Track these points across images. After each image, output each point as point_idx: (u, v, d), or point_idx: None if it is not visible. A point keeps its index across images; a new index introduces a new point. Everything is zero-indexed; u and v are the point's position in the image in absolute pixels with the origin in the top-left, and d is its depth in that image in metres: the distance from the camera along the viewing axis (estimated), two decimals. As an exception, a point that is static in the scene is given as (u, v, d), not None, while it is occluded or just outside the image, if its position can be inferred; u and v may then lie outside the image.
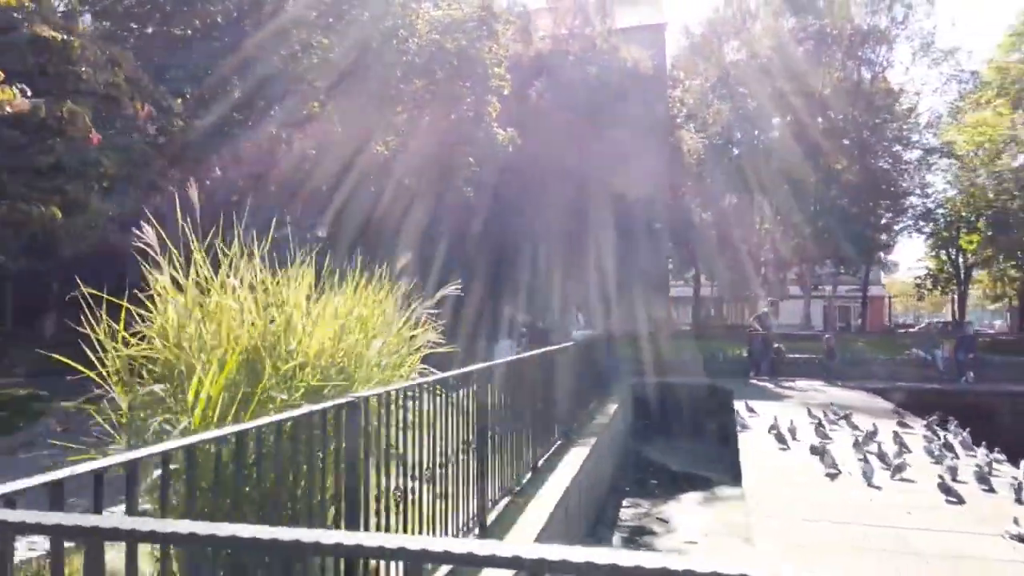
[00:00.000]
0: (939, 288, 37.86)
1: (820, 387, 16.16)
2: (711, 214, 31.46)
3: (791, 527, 5.49)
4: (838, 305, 42.59)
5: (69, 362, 3.46)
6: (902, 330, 37.89)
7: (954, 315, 38.13)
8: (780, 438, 8.55)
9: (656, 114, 31.48)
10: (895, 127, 31.93)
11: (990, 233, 31.08)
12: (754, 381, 17.12)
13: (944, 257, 36.14)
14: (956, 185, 31.87)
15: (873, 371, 17.89)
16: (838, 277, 37.61)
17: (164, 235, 3.92)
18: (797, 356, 19.53)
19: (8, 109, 5.66)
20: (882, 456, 7.42)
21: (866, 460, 7.07)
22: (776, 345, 19.11)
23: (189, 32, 13.52)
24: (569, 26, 28.24)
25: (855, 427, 9.32)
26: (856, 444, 7.79)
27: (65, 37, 8.18)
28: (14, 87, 5.79)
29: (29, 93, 5.92)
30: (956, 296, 36.86)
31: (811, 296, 37.89)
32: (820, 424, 9.15)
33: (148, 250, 3.91)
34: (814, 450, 7.73)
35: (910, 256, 38.55)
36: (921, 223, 33.23)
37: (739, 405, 11.87)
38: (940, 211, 32.97)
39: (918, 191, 33.38)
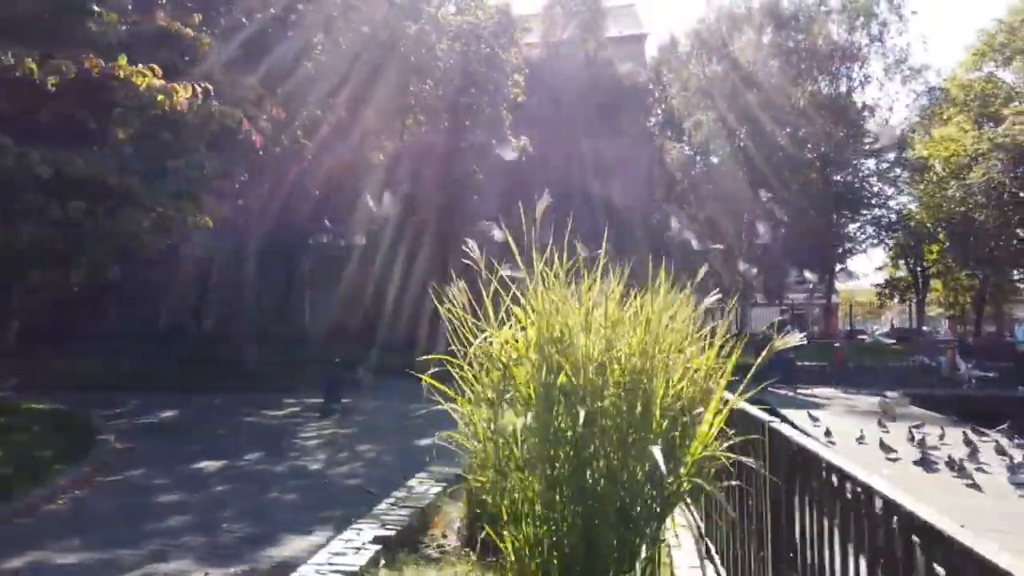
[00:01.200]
0: (899, 296, 39.58)
1: (842, 394, 16.52)
2: (693, 221, 31.88)
3: None
4: (799, 313, 43.96)
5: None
6: (862, 337, 39.31)
7: (910, 322, 39.98)
8: (924, 459, 8.23)
9: (641, 124, 31.90)
10: (862, 141, 33.13)
11: (947, 244, 32.71)
12: (772, 390, 17.37)
13: (904, 266, 37.75)
14: (919, 198, 33.27)
15: (881, 378, 18.44)
16: (800, 285, 38.76)
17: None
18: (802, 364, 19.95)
19: (178, 107, 5.23)
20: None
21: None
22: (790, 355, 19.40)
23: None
24: (559, 36, 28.37)
25: (969, 440, 9.25)
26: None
27: (194, 32, 7.69)
28: (185, 84, 5.39)
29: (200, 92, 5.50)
30: (915, 304, 38.46)
31: (775, 303, 38.98)
32: (913, 437, 9.21)
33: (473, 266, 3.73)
34: (952, 464, 7.76)
35: (870, 265, 39.99)
36: (884, 234, 34.54)
37: (795, 417, 11.72)
38: (903, 223, 34.27)
39: (883, 203, 34.70)
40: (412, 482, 6.45)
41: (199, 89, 5.98)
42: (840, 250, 35.85)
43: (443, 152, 19.12)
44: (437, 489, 6.27)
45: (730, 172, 32.46)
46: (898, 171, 33.03)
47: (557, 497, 3.52)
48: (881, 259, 39.47)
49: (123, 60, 5.05)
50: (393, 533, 5.03)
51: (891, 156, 33.25)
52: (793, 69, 30.41)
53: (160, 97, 5.19)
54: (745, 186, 32.23)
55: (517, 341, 3.99)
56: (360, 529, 5.05)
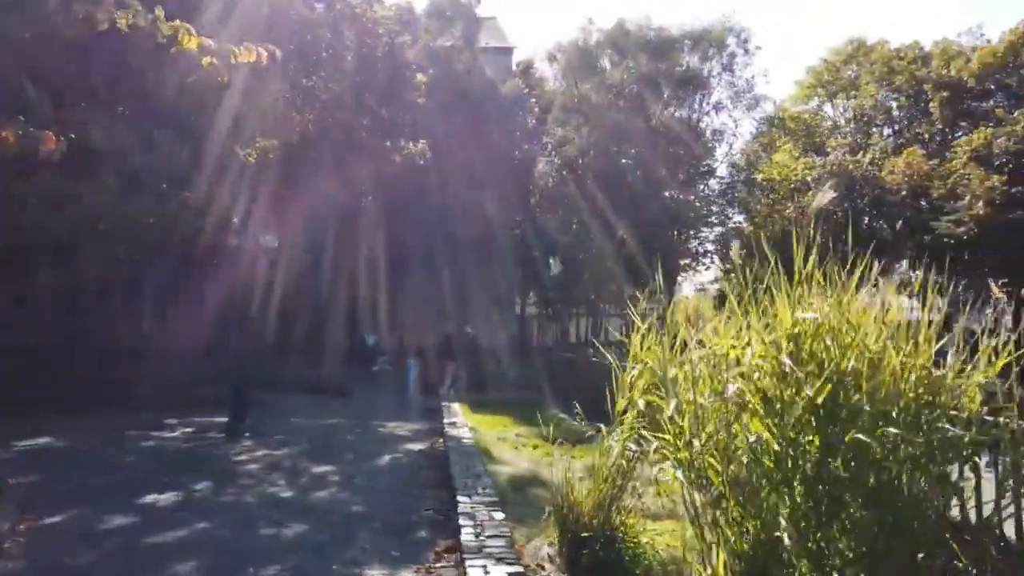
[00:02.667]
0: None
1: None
2: (556, 235, 32.50)
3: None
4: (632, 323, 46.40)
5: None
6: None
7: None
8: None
9: (511, 137, 32.05)
10: (708, 164, 35.59)
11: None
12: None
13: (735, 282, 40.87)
14: (752, 218, 36.22)
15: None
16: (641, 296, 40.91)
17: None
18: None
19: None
20: None
21: None
22: None
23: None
24: (436, 44, 27.78)
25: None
26: None
27: None
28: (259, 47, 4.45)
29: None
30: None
31: (610, 315, 40.90)
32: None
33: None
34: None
35: (708, 278, 43.03)
36: (724, 250, 37.22)
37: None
38: (739, 240, 37.17)
39: (723, 222, 37.39)
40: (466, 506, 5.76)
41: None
42: (682, 263, 38.20)
43: (334, 153, 17.97)
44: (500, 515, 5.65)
45: (592, 189, 33.53)
46: (738, 192, 35.73)
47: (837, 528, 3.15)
48: (715, 273, 42.61)
49: (160, 11, 4.04)
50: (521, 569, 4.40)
51: (733, 178, 35.94)
52: (651, 94, 32.01)
53: (207, 60, 4.20)
54: (605, 202, 33.42)
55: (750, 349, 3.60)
56: (484, 565, 4.36)
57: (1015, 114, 22.75)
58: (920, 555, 2.87)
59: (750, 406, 3.30)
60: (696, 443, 3.67)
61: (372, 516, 6.74)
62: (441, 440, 11.02)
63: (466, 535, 4.99)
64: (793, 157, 33.25)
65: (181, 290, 21.66)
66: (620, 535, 4.93)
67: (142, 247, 13.10)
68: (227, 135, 14.86)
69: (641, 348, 5.34)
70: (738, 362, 3.48)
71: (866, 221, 31.70)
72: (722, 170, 36.35)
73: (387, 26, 17.17)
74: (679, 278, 39.26)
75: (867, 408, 2.85)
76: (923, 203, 24.97)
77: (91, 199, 9.99)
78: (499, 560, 4.54)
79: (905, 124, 28.93)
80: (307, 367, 20.91)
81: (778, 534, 3.27)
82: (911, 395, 2.95)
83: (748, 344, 3.43)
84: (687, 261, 38.30)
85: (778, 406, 3.13)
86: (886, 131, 30.56)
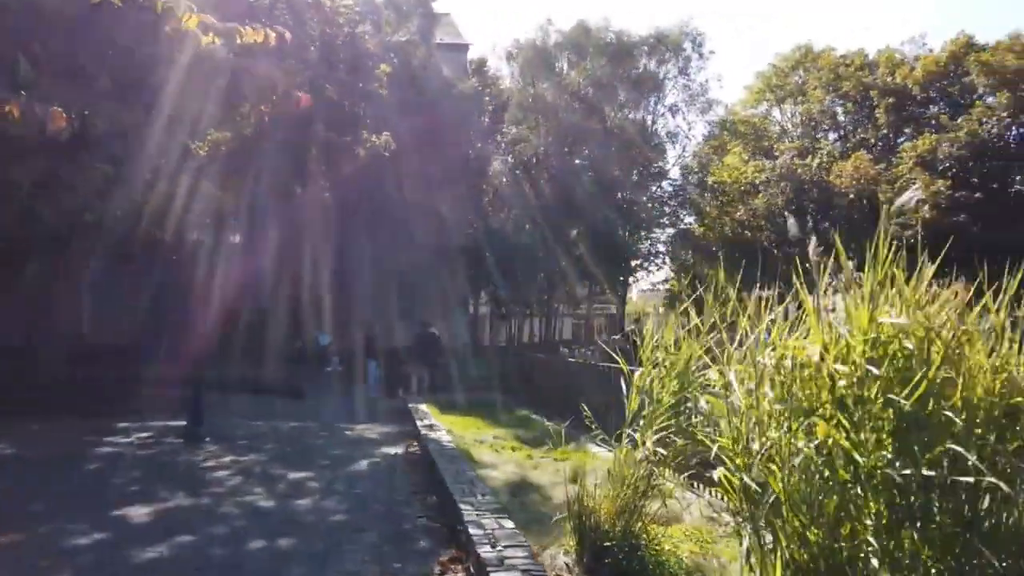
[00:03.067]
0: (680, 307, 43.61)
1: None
2: (510, 235, 32.32)
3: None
4: (582, 323, 46.81)
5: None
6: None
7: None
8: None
9: (466, 135, 31.74)
10: (660, 166, 35.96)
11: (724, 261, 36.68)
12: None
13: (684, 280, 41.58)
14: (703, 220, 36.81)
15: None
16: (598, 297, 41.16)
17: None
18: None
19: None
20: None
21: None
22: None
23: None
24: (391, 38, 27.24)
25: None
26: None
27: None
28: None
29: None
30: (696, 314, 42.33)
31: (563, 315, 41.10)
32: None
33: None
34: None
35: (659, 278, 43.60)
36: (676, 248, 37.73)
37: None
38: (688, 241, 37.63)
39: (674, 223, 37.86)
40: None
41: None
42: (633, 264, 38.57)
43: (294, 145, 17.40)
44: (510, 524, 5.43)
45: (546, 189, 33.55)
46: (690, 194, 36.21)
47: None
48: (663, 274, 43.16)
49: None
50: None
51: (685, 180, 36.43)
52: (608, 95, 32.18)
53: (207, 39, 3.86)
54: (558, 203, 33.49)
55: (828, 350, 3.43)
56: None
57: (958, 120, 23.59)
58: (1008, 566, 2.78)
59: (823, 411, 3.15)
60: (755, 447, 3.52)
61: (363, 525, 6.43)
62: (416, 443, 10.72)
63: (483, 548, 4.75)
64: (743, 160, 33.91)
65: (122, 288, 20.74)
66: (643, 543, 4.76)
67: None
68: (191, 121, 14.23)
69: (659, 347, 5.18)
70: (808, 364, 3.32)
71: (811, 223, 32.60)
72: (675, 172, 36.78)
73: (347, 15, 16.69)
74: (631, 278, 39.68)
75: (959, 417, 2.73)
76: (867, 208, 25.63)
77: (86, 188, 9.30)
78: (525, 573, 4.32)
79: (851, 129, 29.75)
80: (256, 368, 20.26)
81: (843, 544, 3.15)
82: (1001, 402, 2.84)
83: (828, 345, 3.26)
84: (639, 262, 38.66)
85: (858, 412, 2.99)
86: (832, 136, 31.41)
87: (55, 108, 3.24)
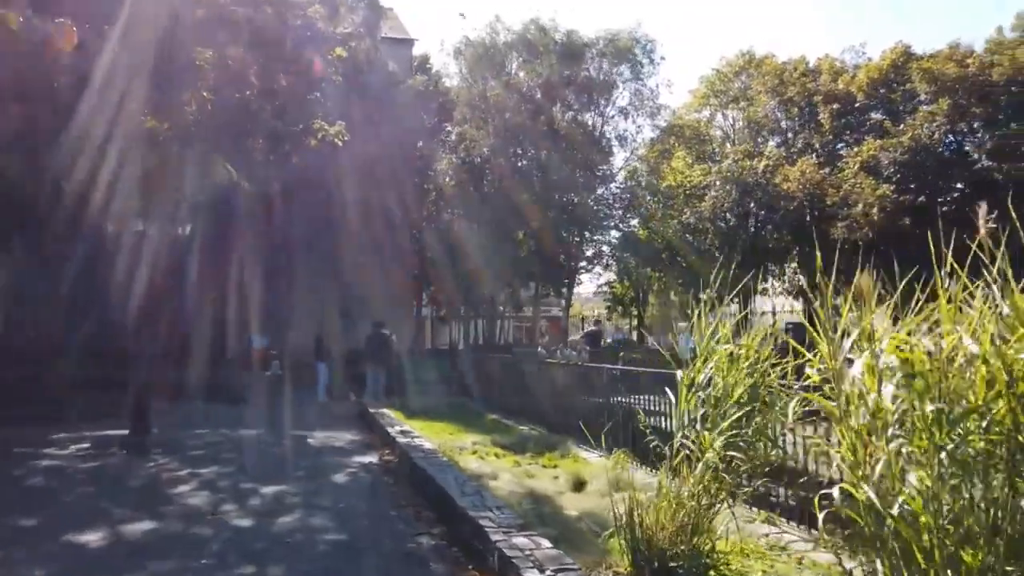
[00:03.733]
0: (623, 310, 43.80)
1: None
2: (455, 235, 31.60)
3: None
4: (527, 326, 46.41)
5: None
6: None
7: (632, 334, 44.47)
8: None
9: (412, 133, 30.89)
10: (600, 168, 35.79)
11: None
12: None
13: (627, 284, 41.69)
14: (644, 224, 36.85)
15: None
16: (542, 299, 40.81)
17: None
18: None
19: None
20: None
21: None
22: None
23: None
24: (335, 32, 26.14)
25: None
26: None
27: None
28: None
29: None
30: (637, 318, 42.53)
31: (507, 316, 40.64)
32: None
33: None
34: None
35: (602, 280, 43.64)
36: (621, 252, 37.70)
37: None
38: (632, 244, 37.52)
39: (616, 225, 37.77)
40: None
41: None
42: (576, 266, 38.38)
43: (239, 133, 16.33)
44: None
45: (493, 189, 33.04)
46: (636, 197, 36.17)
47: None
48: (608, 277, 43.16)
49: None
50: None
51: (632, 183, 36.43)
52: (557, 96, 31.84)
53: None
54: (505, 203, 33.03)
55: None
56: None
57: (901, 126, 24.20)
58: None
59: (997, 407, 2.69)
60: (881, 457, 3.03)
61: (361, 545, 5.74)
62: (389, 451, 9.99)
63: (530, 574, 4.13)
64: (687, 164, 34.11)
65: (41, 285, 19.14)
66: (711, 563, 4.24)
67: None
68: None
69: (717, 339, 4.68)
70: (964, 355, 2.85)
71: (752, 227, 33.04)
72: (622, 175, 36.73)
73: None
74: (576, 281, 39.44)
75: None
76: (815, 211, 26.10)
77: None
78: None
79: (796, 134, 30.23)
80: (190, 371, 19.01)
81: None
82: None
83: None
84: (583, 264, 38.49)
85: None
86: (776, 140, 31.86)
87: (65, 22, 2.50)
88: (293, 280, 27.60)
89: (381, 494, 7.53)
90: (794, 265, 31.59)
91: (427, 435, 10.36)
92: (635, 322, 43.94)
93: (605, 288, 46.02)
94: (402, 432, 10.21)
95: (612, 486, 5.13)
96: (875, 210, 22.22)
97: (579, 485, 7.45)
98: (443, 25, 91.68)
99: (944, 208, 23.08)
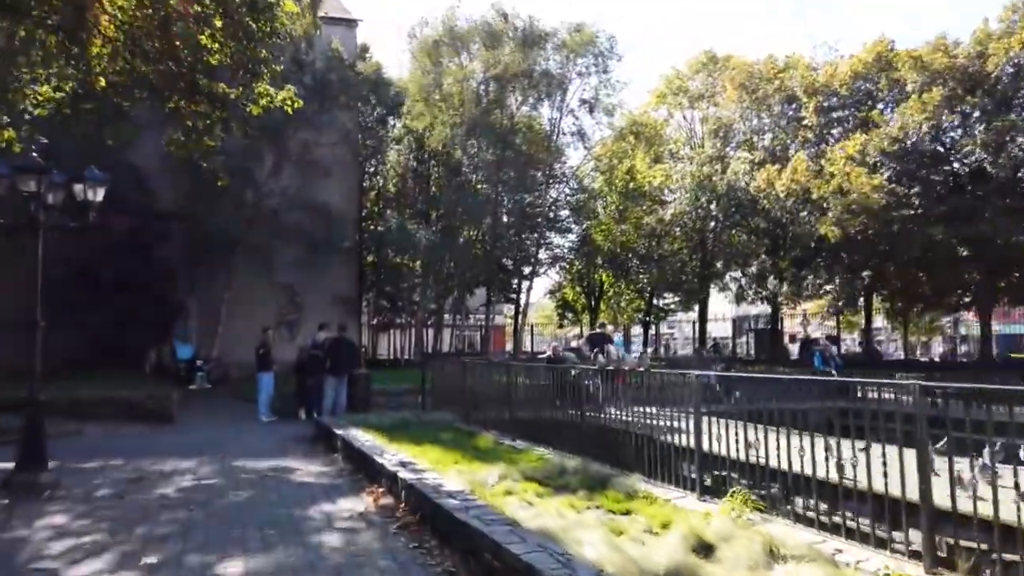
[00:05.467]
0: (574, 316, 41.68)
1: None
2: (402, 235, 28.72)
3: None
4: (477, 333, 43.75)
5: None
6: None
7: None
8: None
9: (357, 120, 28.08)
10: (556, 166, 33.70)
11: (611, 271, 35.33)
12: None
13: (579, 289, 39.65)
14: (597, 225, 34.91)
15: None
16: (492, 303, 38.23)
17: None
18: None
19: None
20: None
21: None
22: None
23: None
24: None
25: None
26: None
27: None
28: None
29: None
30: (589, 322, 40.33)
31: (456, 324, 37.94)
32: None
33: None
34: None
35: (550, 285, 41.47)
36: (574, 255, 35.66)
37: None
38: (587, 249, 35.49)
39: (569, 228, 35.69)
40: None
41: None
42: (533, 270, 36.15)
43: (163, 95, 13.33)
44: None
45: (444, 185, 30.57)
46: (590, 198, 34.23)
47: None
48: (554, 282, 41.04)
49: None
50: None
51: (587, 183, 34.50)
52: (514, 88, 29.59)
53: None
54: (454, 202, 30.60)
55: None
56: None
57: (892, 116, 23.01)
58: None
59: None
60: None
61: None
62: (382, 490, 7.40)
63: None
64: (646, 165, 32.46)
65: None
66: None
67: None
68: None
69: None
70: None
71: (713, 228, 31.52)
72: (580, 174, 34.74)
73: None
74: (525, 286, 36.98)
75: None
76: (799, 210, 24.65)
77: None
78: None
79: (773, 135, 28.72)
80: (101, 386, 15.77)
81: None
82: None
83: None
84: (536, 268, 36.13)
85: None
86: (743, 139, 30.46)
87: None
88: (221, 278, 24.38)
89: (412, 573, 4.96)
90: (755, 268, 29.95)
91: (430, 464, 7.80)
92: (586, 329, 41.89)
93: (550, 296, 43.88)
94: (402, 464, 7.62)
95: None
96: (872, 200, 20.81)
97: (705, 549, 5.07)
98: (389, 8, 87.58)
99: (936, 199, 22.08)
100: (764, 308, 34.04)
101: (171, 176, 22.08)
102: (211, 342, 24.48)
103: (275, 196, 24.58)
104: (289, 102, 13.67)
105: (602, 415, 8.85)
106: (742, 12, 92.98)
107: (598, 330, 16.82)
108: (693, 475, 6.88)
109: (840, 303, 27.36)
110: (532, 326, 42.50)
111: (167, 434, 12.93)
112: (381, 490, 7.38)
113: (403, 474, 7.00)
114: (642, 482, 7.25)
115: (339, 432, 10.54)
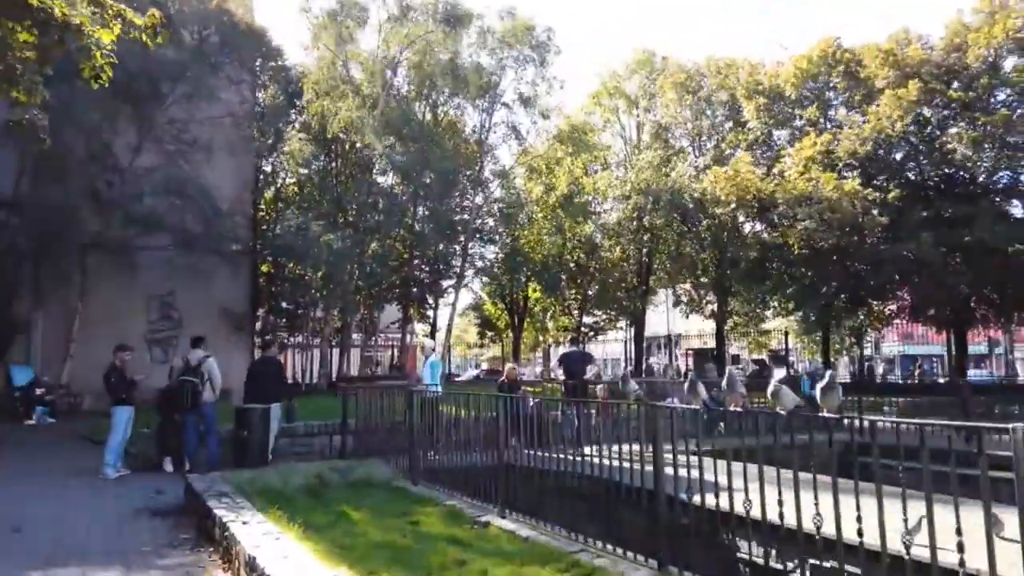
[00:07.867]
0: (495, 334, 38.35)
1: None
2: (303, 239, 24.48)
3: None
4: (376, 355, 39.88)
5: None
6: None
7: (503, 359, 39.06)
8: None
9: (251, 97, 23.91)
10: (481, 169, 30.47)
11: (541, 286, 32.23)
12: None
13: (502, 305, 36.37)
14: (521, 233, 31.80)
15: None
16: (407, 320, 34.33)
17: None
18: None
19: None
20: None
21: None
22: None
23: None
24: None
25: None
26: None
27: None
28: None
29: None
30: (512, 341, 37.05)
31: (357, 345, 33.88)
32: None
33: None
34: None
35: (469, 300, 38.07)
36: (498, 268, 32.34)
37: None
38: (511, 261, 32.28)
39: (492, 239, 32.36)
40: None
41: None
42: (447, 285, 32.72)
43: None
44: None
45: (351, 184, 26.75)
46: (516, 206, 31.05)
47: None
48: (475, 297, 37.76)
49: None
50: None
51: (515, 189, 31.36)
52: (434, 76, 26.17)
53: None
54: (365, 204, 26.89)
55: None
56: None
57: (864, 115, 21.02)
58: None
59: None
60: None
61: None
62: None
63: None
64: (582, 170, 29.78)
65: None
66: None
67: None
68: None
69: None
70: None
71: (651, 239, 29.00)
72: (507, 179, 31.51)
73: None
74: (451, 298, 33.25)
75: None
76: (750, 216, 22.35)
77: None
78: None
79: (719, 137, 26.60)
80: None
81: None
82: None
83: None
84: (454, 281, 32.49)
85: None
86: (686, 141, 28.24)
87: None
88: (73, 285, 19.66)
89: None
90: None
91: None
92: (508, 349, 38.56)
93: (469, 312, 40.51)
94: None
95: None
96: (845, 211, 18.55)
97: None
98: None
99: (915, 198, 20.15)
100: (706, 325, 31.66)
101: (4, 154, 17.45)
102: (59, 366, 19.64)
103: (138, 178, 20.10)
104: (151, 32, 9.76)
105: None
106: (699, 12, 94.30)
107: (572, 347, 13.42)
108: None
109: (809, 321, 24.93)
110: (449, 347, 38.98)
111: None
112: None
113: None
114: None
115: (217, 509, 6.62)
